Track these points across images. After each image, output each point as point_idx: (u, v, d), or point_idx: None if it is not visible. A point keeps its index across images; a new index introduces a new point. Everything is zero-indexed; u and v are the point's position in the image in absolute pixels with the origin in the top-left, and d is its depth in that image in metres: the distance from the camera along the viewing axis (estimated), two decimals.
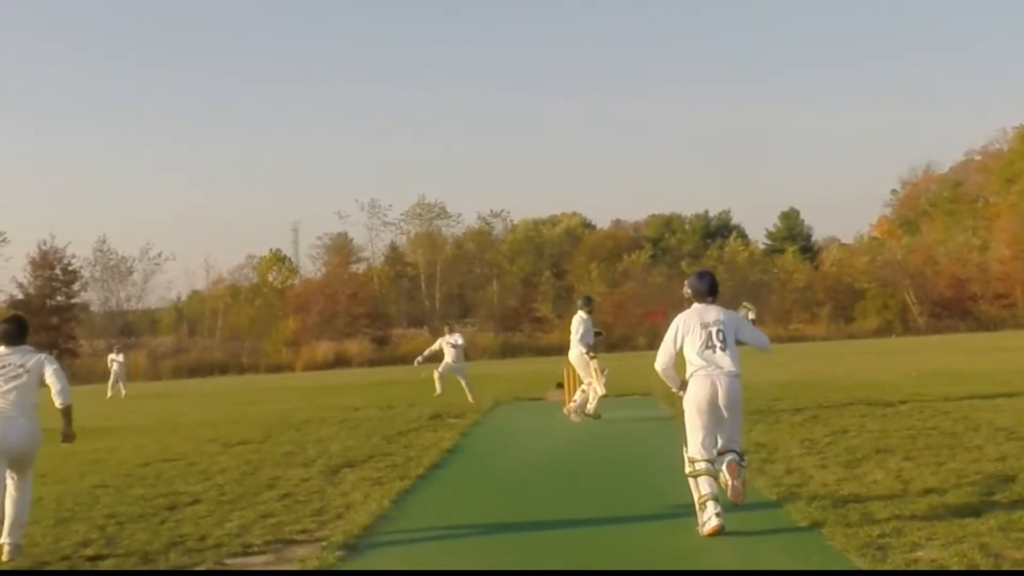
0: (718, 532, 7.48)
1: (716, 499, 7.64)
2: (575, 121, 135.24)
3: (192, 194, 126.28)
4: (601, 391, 16.78)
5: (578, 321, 17.15)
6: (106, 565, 7.55)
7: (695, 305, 8.28)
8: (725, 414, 7.94)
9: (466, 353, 23.41)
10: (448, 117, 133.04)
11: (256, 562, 7.56)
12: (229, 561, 7.61)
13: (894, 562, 6.34)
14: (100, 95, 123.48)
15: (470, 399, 21.80)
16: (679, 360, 8.13)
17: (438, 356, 22.67)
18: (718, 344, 7.97)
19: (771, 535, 7.67)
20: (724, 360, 7.95)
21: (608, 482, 10.92)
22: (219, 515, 9.48)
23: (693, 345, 8.04)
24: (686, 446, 8.04)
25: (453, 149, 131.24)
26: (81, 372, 56.64)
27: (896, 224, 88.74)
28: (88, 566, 7.58)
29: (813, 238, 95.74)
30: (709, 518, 7.56)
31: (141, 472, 13.04)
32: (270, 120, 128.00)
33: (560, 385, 18.50)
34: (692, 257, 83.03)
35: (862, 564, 6.40)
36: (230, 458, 14.03)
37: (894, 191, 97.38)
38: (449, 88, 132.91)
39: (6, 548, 7.89)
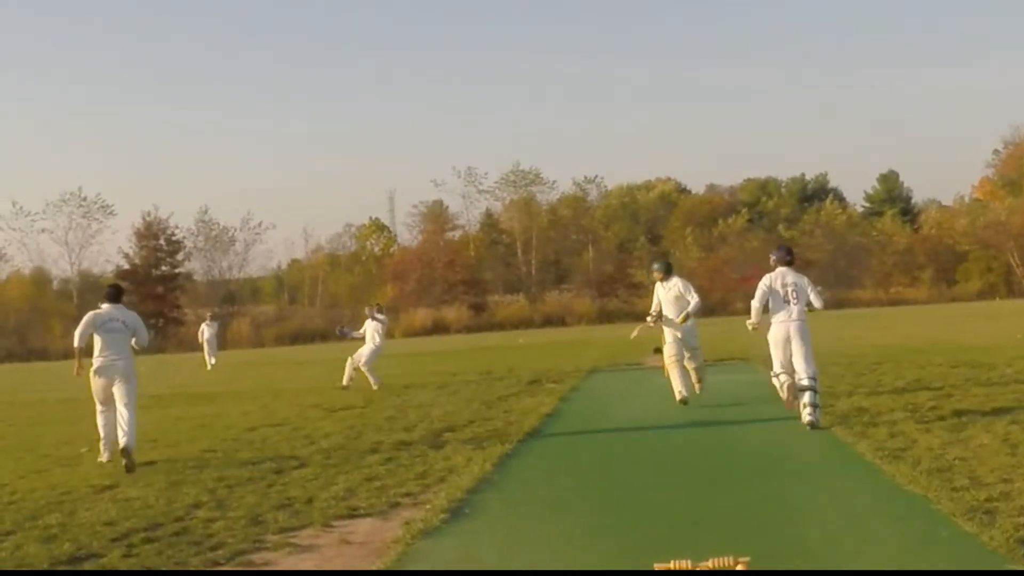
0: (794, 399, 11.33)
1: (791, 385, 11.37)
2: (669, 86, 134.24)
3: (291, 164, 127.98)
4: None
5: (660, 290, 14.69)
6: (217, 527, 7.72)
7: (778, 268, 11.85)
8: (796, 348, 11.43)
9: (389, 333, 21.49)
10: (542, 83, 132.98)
11: (363, 524, 7.69)
12: (335, 523, 7.76)
13: (1003, 526, 6.24)
14: (197, 69, 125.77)
15: (373, 385, 20.43)
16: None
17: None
18: (792, 300, 11.60)
19: (876, 499, 7.61)
20: (794, 312, 11.54)
21: (707, 444, 10.93)
22: (325, 478, 9.68)
23: (775, 299, 11.69)
24: (772, 369, 11.78)
25: (547, 116, 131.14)
26: (187, 340, 57.85)
27: (999, 185, 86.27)
28: (200, 527, 7.76)
29: (913, 200, 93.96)
30: (786, 395, 11.52)
31: (248, 437, 13.37)
32: (366, 89, 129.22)
33: (658, 350, 18.46)
34: (789, 221, 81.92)
35: (969, 528, 6.31)
36: (333, 423, 14.30)
37: (996, 151, 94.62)
38: (544, 54, 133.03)
39: (122, 445, 10.80)
